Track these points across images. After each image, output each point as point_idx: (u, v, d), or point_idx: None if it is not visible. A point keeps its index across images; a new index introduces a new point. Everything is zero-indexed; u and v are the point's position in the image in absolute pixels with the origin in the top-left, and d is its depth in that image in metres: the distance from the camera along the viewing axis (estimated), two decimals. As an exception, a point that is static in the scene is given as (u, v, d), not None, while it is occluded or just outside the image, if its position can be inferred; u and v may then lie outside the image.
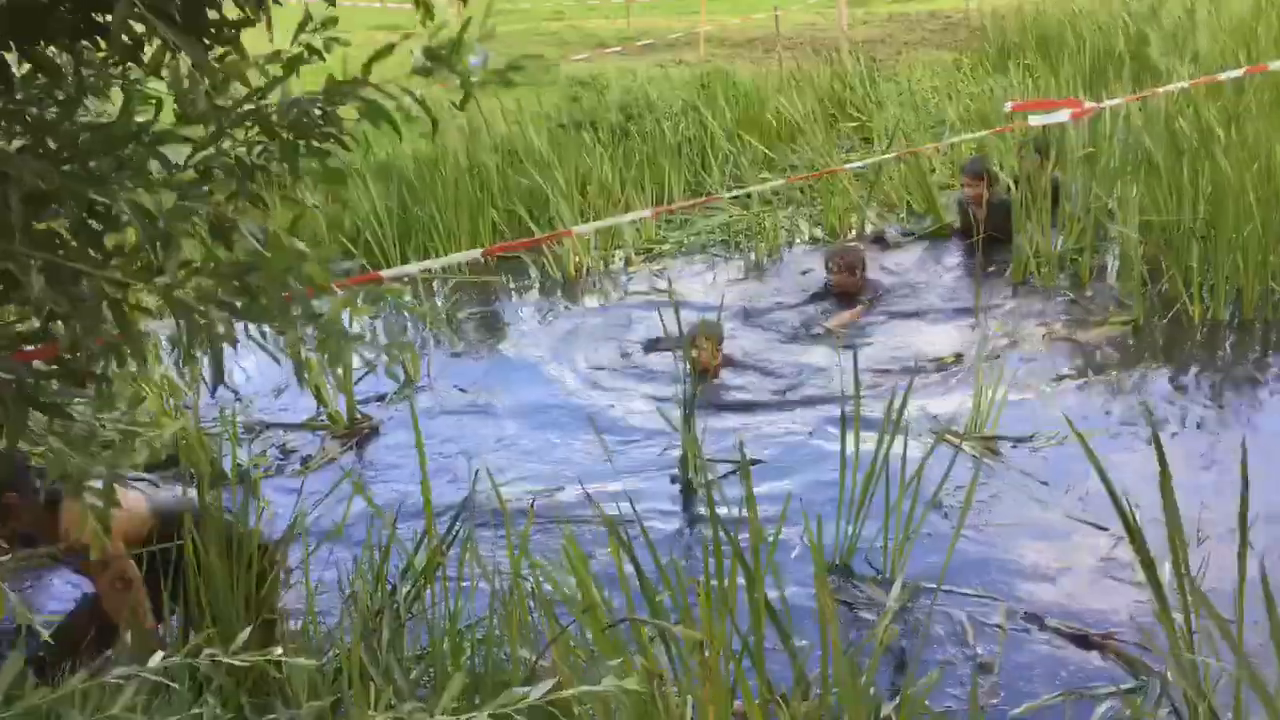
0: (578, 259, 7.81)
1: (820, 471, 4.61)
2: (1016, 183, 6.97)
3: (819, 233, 8.24)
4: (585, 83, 11.17)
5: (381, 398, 5.84)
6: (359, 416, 5.58)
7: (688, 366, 5.08)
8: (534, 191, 8.29)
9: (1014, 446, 4.86)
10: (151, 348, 5.68)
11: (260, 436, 5.50)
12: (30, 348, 1.95)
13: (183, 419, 5.15)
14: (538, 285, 7.71)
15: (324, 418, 5.56)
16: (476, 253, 6.54)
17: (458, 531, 3.74)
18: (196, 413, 5.61)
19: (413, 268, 6.15)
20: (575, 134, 9.31)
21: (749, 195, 8.61)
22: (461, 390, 5.91)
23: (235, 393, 6.02)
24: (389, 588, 3.47)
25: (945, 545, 3.67)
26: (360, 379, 5.90)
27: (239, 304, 1.72)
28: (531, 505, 3.75)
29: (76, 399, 1.96)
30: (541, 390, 5.86)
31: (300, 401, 5.78)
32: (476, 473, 4.12)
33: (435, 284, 7.75)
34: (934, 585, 3.65)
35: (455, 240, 7.92)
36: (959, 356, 5.87)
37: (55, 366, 1.88)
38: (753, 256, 7.82)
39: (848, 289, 6.61)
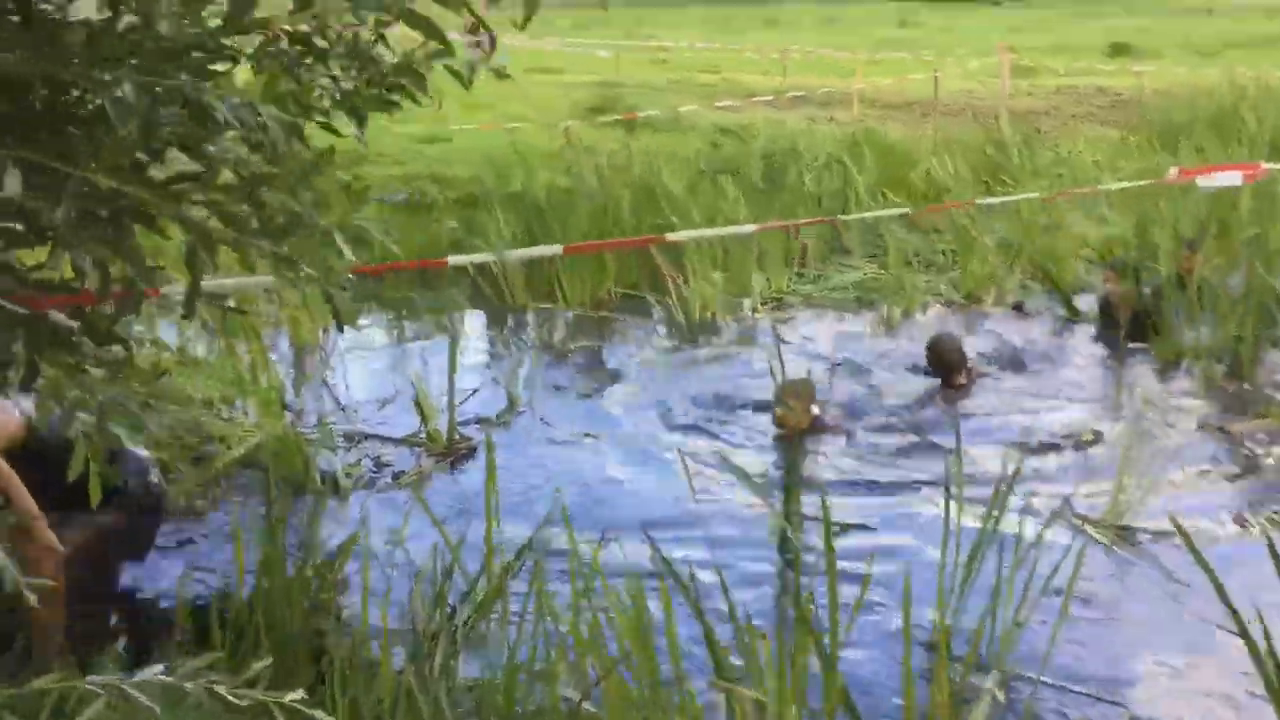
0: (703, 304, 7.60)
1: (919, 545, 4.26)
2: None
3: (957, 296, 7.86)
4: (730, 131, 11.03)
5: (483, 420, 5.72)
6: (459, 437, 5.46)
7: (774, 425, 4.81)
8: (664, 229, 8.13)
9: (1152, 540, 4.43)
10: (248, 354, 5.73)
11: (357, 447, 5.42)
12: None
13: (279, 421, 5.12)
14: (659, 326, 7.52)
15: (424, 435, 5.46)
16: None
17: (521, 564, 3.53)
18: (298, 418, 5.61)
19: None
20: (713, 179, 9.14)
21: (887, 253, 8.34)
22: (561, 423, 5.74)
23: (338, 402, 5.98)
24: (448, 611, 3.28)
25: (1059, 636, 3.30)
26: (465, 400, 5.79)
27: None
28: (598, 547, 3.48)
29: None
30: (641, 432, 5.63)
31: (403, 418, 5.70)
32: (562, 507, 3.91)
33: (557, 317, 7.65)
34: (1038, 677, 3.29)
35: (578, 272, 7.81)
36: (1095, 437, 5.44)
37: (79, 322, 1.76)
38: (884, 316, 7.49)
39: (944, 380, 6.08)
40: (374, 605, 3.36)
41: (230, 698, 1.97)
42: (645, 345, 7.20)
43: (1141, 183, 7.64)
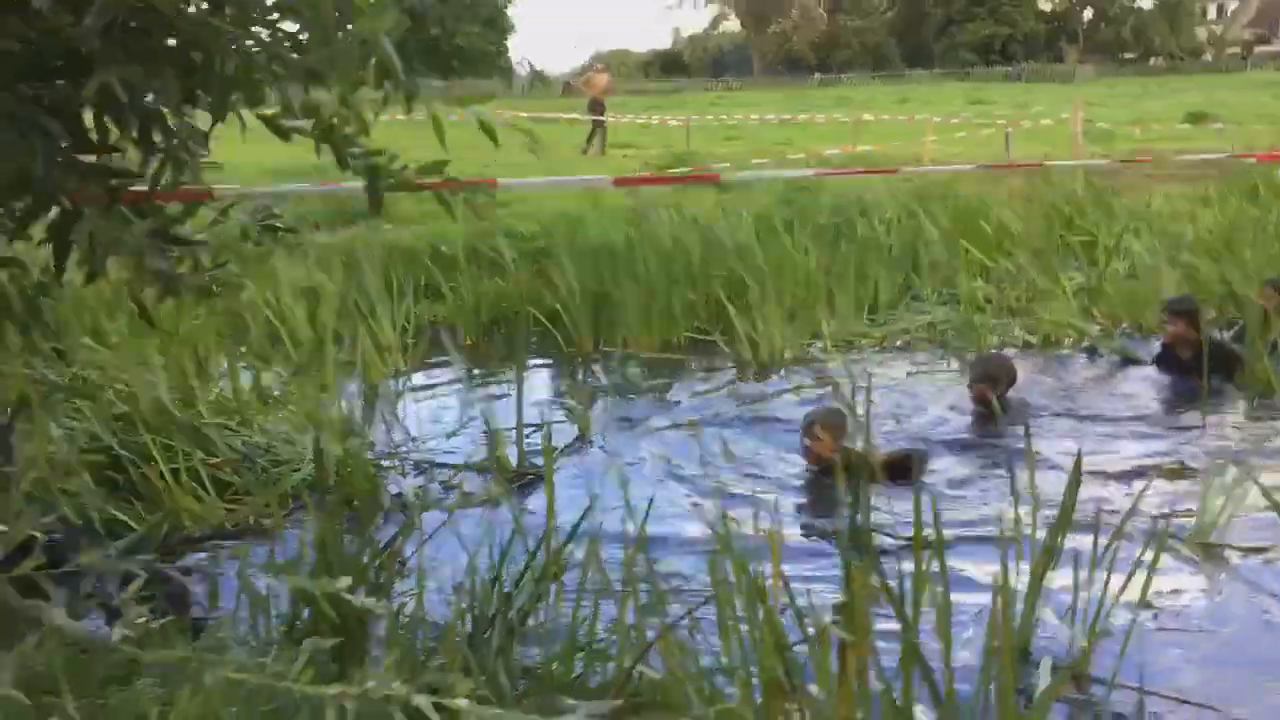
0: (771, 346, 7.57)
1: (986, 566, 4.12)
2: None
3: (1032, 339, 7.73)
4: (801, 187, 11.08)
5: (552, 450, 5.70)
6: (527, 466, 5.46)
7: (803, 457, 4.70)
8: (732, 277, 8.16)
9: (1244, 557, 4.24)
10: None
11: (426, 473, 5.45)
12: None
13: (349, 444, 5.17)
14: (728, 368, 7.49)
15: (493, 462, 5.47)
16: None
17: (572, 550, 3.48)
18: (369, 447, 5.65)
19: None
20: (784, 231, 9.16)
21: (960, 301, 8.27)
22: (627, 455, 5.71)
23: (408, 434, 6.03)
24: (504, 593, 3.24)
25: (1146, 646, 3.16)
26: (533, 433, 5.79)
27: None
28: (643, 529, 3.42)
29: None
30: (702, 468, 5.55)
31: (471, 449, 5.73)
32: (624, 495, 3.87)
33: (625, 360, 7.67)
34: (1128, 683, 3.13)
35: (646, 317, 7.86)
36: (1180, 469, 5.26)
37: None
38: (955, 359, 7.38)
39: (983, 402, 5.90)
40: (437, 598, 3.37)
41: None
42: (713, 386, 7.15)
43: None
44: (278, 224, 2.02)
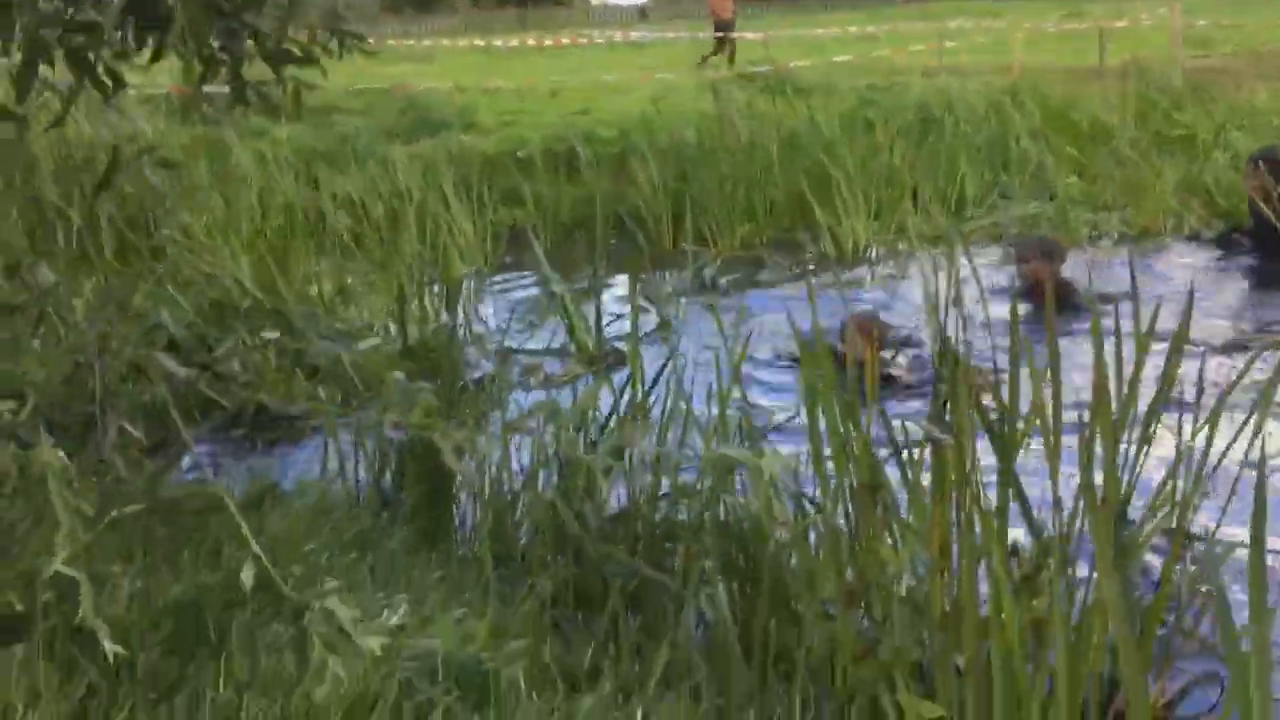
0: (855, 241, 7.44)
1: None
2: None
3: (1130, 231, 7.46)
4: (883, 89, 10.80)
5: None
6: (607, 349, 5.46)
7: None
8: (815, 173, 7.99)
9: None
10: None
11: (506, 359, 5.47)
12: None
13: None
14: (811, 264, 7.37)
15: (572, 348, 5.48)
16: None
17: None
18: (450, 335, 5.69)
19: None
20: (866, 129, 8.95)
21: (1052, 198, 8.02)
22: (709, 341, 5.65)
23: (487, 325, 6.07)
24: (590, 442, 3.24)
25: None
26: (612, 321, 5.78)
27: None
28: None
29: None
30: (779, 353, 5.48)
31: (549, 339, 5.73)
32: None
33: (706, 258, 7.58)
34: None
35: (728, 216, 7.76)
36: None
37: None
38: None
39: (1039, 279, 5.42)
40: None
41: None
42: (795, 280, 7.05)
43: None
44: (346, 28, 1.96)
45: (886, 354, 4.91)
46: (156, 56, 1.64)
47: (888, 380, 4.63)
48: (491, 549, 2.86)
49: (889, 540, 2.36)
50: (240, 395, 4.63)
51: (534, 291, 7.16)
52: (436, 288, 6.89)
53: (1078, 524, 2.53)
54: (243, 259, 6.04)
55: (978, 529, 2.18)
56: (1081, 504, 2.29)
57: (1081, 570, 2.39)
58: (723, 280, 7.04)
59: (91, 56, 1.63)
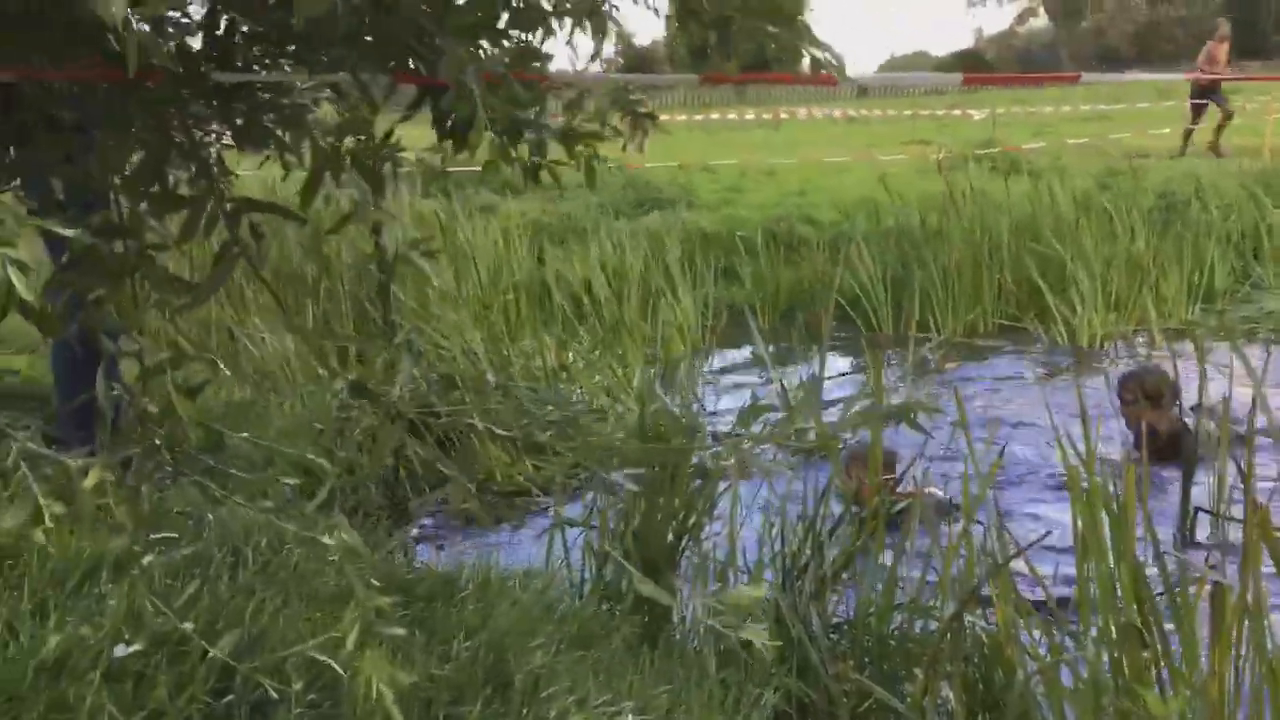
0: (1091, 333, 7.07)
1: None
2: None
3: None
4: (1120, 172, 10.32)
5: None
6: (830, 438, 5.31)
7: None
8: (1048, 258, 7.67)
9: None
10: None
11: (726, 443, 5.41)
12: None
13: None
14: (1041, 356, 7.04)
15: (793, 433, 5.37)
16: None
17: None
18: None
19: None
20: (1104, 213, 8.55)
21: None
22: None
23: (705, 408, 6.04)
24: (818, 544, 3.13)
25: None
26: (831, 404, 5.64)
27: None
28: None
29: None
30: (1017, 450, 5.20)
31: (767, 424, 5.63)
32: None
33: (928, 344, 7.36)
34: None
35: (952, 301, 7.53)
36: None
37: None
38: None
39: (1150, 423, 4.62)
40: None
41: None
42: (1023, 372, 6.74)
43: None
44: (639, 108, 1.90)
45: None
46: (460, 147, 1.68)
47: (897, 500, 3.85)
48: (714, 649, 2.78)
49: (1156, 687, 2.15)
50: (466, 470, 4.73)
51: (753, 369, 7.12)
52: (655, 365, 6.98)
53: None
54: (474, 332, 6.23)
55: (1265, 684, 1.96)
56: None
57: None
58: (947, 369, 6.81)
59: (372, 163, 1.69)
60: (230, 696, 2.05)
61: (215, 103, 1.48)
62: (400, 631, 1.70)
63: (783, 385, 5.57)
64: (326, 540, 1.76)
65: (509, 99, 1.61)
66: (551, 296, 7.61)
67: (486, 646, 2.41)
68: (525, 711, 2.22)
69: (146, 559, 2.30)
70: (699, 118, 21.09)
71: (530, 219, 10.01)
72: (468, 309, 7.05)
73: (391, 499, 4.52)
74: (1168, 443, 4.65)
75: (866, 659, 2.80)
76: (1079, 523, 2.36)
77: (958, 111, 20.26)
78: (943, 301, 7.61)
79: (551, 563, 3.29)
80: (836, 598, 3.10)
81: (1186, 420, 4.87)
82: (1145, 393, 4.84)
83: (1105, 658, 2.33)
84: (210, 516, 2.79)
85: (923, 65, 79.00)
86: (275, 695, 1.98)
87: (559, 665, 2.43)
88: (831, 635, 2.89)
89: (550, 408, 5.52)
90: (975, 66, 69.29)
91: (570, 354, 6.59)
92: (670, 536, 3.31)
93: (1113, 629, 2.15)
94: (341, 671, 1.97)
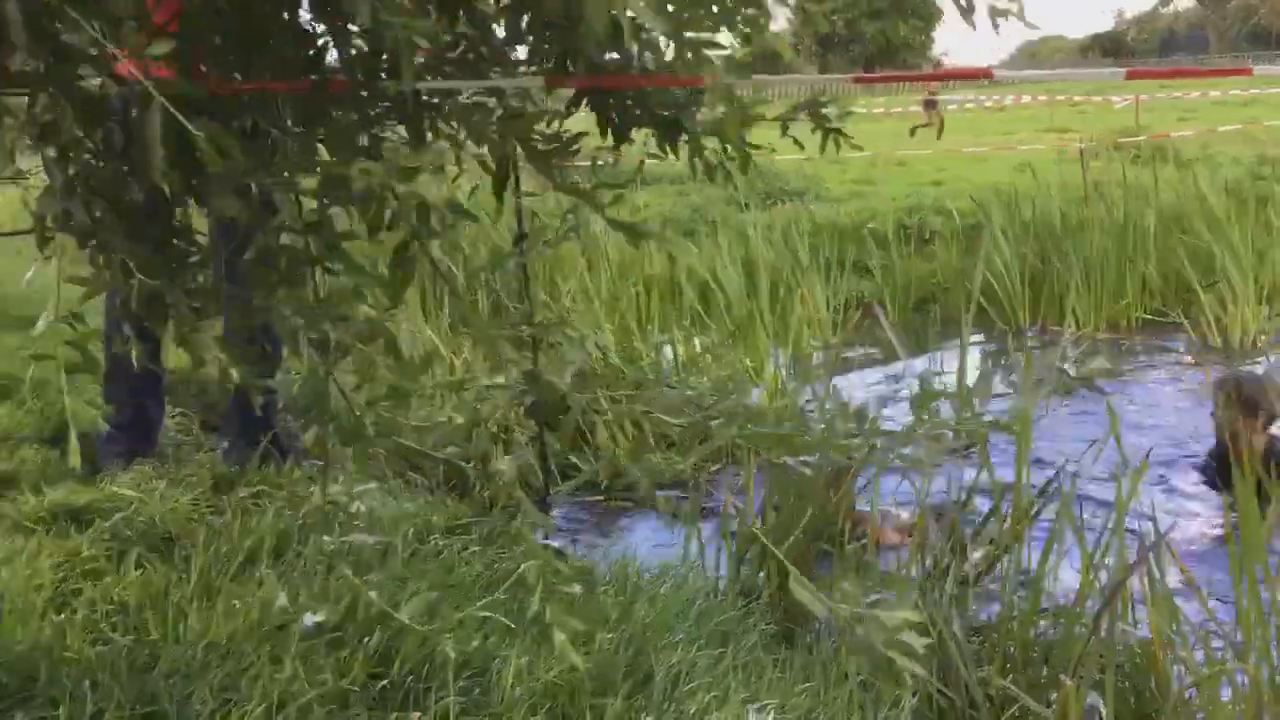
0: (1244, 330, 6.77)
1: None
2: None
3: None
4: (1275, 160, 9.84)
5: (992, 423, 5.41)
6: (965, 437, 5.21)
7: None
8: (1197, 252, 7.37)
9: None
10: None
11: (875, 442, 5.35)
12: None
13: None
14: (1187, 355, 6.78)
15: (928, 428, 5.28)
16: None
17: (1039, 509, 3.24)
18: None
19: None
20: (1258, 204, 8.17)
21: None
22: (1063, 436, 5.30)
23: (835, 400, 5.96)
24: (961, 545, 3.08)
25: None
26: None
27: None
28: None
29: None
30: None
31: (905, 418, 5.56)
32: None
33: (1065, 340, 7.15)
34: None
35: (1092, 293, 7.29)
36: None
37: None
38: None
39: (1237, 435, 4.17)
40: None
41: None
42: (1169, 373, 6.49)
43: None
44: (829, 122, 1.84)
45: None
46: (620, 143, 1.72)
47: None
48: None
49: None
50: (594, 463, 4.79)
51: (886, 364, 7.03)
52: (783, 359, 6.96)
53: None
54: (606, 326, 6.29)
55: None
56: None
57: None
58: (1088, 364, 6.60)
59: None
60: (384, 682, 2.13)
61: (392, 106, 1.54)
62: (578, 589, 1.75)
63: (929, 377, 5.50)
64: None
65: (664, 100, 1.62)
66: (681, 290, 7.63)
67: (627, 640, 2.44)
68: (666, 707, 2.24)
69: (307, 545, 2.40)
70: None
71: (658, 210, 10.06)
72: (600, 302, 7.12)
73: (528, 490, 4.60)
74: (1262, 461, 3.82)
75: (1009, 664, 2.75)
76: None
77: (1098, 98, 19.58)
78: (1084, 295, 7.37)
79: (688, 558, 3.31)
80: (978, 599, 3.05)
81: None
82: (1242, 396, 4.22)
83: (1265, 671, 2.25)
84: (361, 507, 2.88)
85: (1060, 49, 76.49)
86: (430, 679, 2.04)
87: (698, 662, 2.45)
88: (973, 638, 2.84)
89: (714, 398, 5.57)
90: (1116, 50, 66.72)
91: (699, 346, 6.60)
92: (812, 532, 3.29)
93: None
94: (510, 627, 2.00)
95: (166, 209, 1.58)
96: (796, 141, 1.80)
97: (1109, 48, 70.02)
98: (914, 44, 53.51)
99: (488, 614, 2.35)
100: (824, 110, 1.66)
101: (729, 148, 1.73)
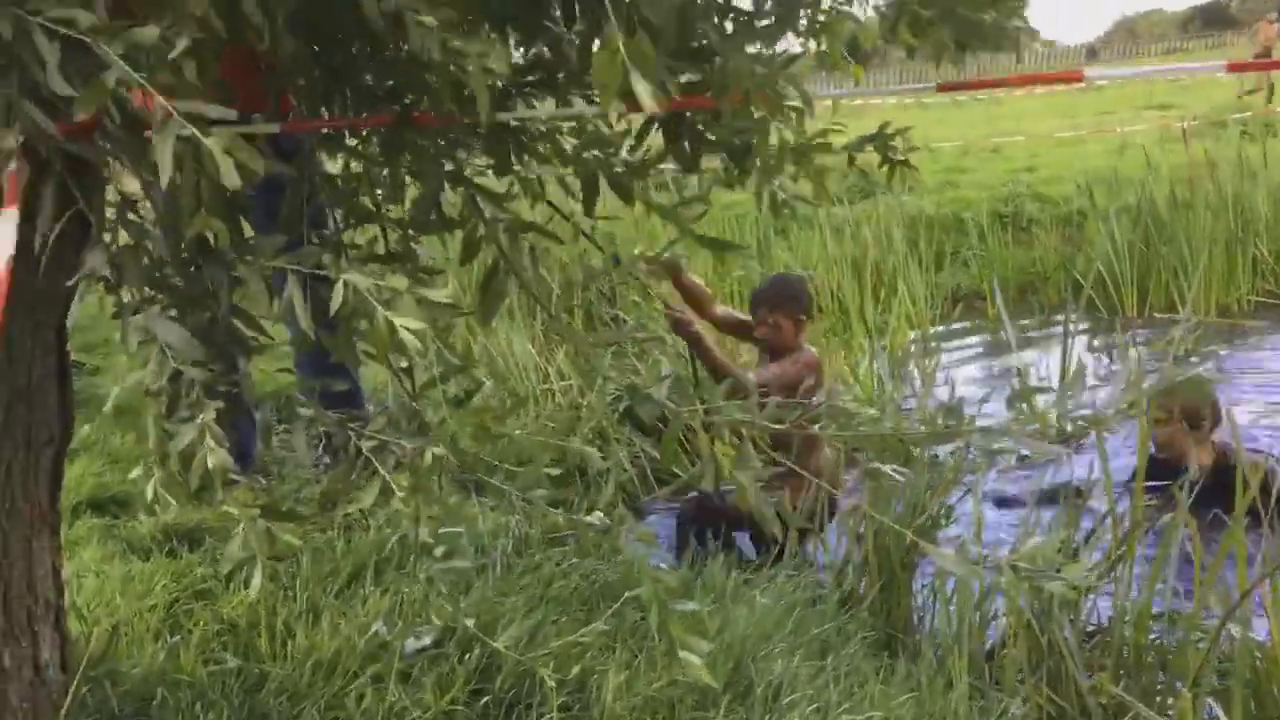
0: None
1: None
2: None
3: None
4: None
5: (1094, 419, 5.26)
6: (1068, 430, 5.07)
7: None
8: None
9: None
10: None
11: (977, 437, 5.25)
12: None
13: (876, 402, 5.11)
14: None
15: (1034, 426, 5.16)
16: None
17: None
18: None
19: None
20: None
21: None
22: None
23: (937, 396, 5.86)
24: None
25: None
26: (1073, 395, 5.37)
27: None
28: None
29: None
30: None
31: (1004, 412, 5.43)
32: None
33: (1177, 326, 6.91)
34: None
35: (1204, 278, 7.03)
36: None
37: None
38: None
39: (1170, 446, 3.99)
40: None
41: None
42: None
43: None
44: (894, 155, 1.84)
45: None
46: (692, 167, 1.72)
47: None
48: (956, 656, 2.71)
49: None
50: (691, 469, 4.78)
51: (985, 356, 6.89)
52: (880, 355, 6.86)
53: None
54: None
55: None
56: None
57: None
58: (1194, 354, 6.39)
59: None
60: (486, 698, 2.14)
61: (476, 133, 1.56)
62: (694, 606, 1.78)
63: (1026, 371, 5.37)
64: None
65: (733, 128, 1.61)
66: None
67: (725, 650, 2.42)
68: (767, 719, 2.22)
69: (410, 564, 2.43)
70: (909, 101, 20.41)
71: (749, 208, 9.97)
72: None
73: (624, 498, 4.61)
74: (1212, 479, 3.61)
75: (1122, 671, 2.67)
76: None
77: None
78: (1192, 279, 7.12)
79: (785, 565, 3.28)
80: (1090, 603, 2.96)
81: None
82: (1185, 408, 3.96)
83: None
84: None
85: (1160, 22, 74.04)
86: (530, 696, 2.05)
87: (799, 672, 2.42)
88: (1085, 644, 2.77)
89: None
90: (1218, 22, 64.35)
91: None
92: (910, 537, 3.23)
93: None
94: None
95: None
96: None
97: (1210, 19, 67.44)
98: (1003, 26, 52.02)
99: (586, 638, 2.35)
100: (891, 142, 1.64)
101: (797, 179, 1.73)
